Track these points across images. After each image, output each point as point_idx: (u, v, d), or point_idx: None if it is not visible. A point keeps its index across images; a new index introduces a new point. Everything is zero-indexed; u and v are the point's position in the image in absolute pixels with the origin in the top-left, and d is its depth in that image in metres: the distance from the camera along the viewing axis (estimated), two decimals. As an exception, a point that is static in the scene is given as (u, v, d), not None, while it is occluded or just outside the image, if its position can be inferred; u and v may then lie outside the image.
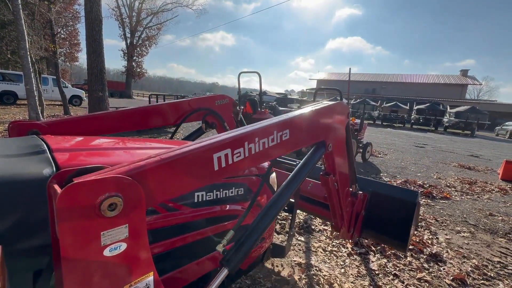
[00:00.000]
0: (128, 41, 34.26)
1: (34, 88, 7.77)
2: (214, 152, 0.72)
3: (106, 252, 0.54)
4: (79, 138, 1.25)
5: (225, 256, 0.90)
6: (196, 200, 1.05)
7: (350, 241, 1.95)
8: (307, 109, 1.17)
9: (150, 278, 0.62)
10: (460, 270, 2.53)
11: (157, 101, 11.86)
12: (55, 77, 13.15)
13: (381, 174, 5.90)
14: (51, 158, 0.82)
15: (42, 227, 0.64)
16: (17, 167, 0.73)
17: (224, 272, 0.85)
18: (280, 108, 8.67)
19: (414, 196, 1.88)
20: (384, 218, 1.96)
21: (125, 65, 35.82)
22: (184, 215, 1.01)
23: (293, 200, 1.68)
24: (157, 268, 0.67)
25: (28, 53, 7.40)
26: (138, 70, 36.57)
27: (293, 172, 1.15)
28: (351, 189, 1.83)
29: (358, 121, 6.77)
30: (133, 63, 35.53)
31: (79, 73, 68.01)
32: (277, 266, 2.28)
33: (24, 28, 7.13)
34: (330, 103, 1.34)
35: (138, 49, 35.20)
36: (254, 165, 0.93)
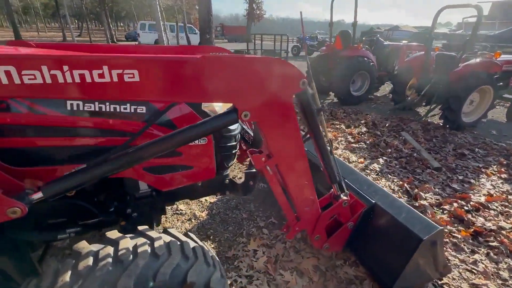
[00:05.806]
0: (250, -18, 34.64)
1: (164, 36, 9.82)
2: None
3: None
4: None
5: (48, 182, 0.91)
6: (69, 108, 1.07)
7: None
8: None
9: None
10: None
11: (261, 43, 12.16)
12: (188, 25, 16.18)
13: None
14: None
15: None
16: None
17: (38, 193, 0.88)
18: (387, 42, 6.89)
19: (427, 231, 1.34)
20: (376, 243, 1.59)
21: (247, 8, 37.14)
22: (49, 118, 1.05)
23: None
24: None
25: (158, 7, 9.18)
26: (258, 12, 37.29)
27: (180, 129, 0.96)
28: (334, 192, 1.51)
29: None
30: (254, 5, 36.29)
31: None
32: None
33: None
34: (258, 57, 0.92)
35: (258, -11, 35.27)
36: (80, 97, 0.81)
